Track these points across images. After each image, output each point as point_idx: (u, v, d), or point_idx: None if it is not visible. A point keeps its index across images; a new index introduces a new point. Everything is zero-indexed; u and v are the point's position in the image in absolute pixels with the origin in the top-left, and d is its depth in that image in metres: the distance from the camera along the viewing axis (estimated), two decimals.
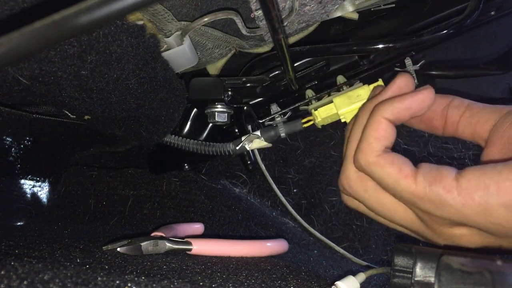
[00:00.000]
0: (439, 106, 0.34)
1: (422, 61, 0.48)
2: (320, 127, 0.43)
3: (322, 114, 0.42)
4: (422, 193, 0.27)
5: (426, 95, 0.31)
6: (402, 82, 0.33)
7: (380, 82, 0.40)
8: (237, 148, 0.47)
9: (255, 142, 0.47)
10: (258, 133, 0.47)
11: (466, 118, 0.33)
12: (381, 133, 0.31)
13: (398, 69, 0.49)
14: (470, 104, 0.33)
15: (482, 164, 0.27)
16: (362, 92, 0.40)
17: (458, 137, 0.34)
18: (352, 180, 0.33)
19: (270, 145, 0.47)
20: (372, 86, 0.40)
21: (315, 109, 0.42)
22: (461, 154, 0.64)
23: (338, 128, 0.68)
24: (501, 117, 0.31)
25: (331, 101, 0.42)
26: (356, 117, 0.36)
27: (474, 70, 0.60)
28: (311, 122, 0.44)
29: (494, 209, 0.25)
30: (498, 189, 0.25)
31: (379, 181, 0.30)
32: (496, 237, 0.27)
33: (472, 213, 0.26)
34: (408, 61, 0.48)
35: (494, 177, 0.25)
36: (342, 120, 0.41)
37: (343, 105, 0.40)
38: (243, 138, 0.47)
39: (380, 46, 0.45)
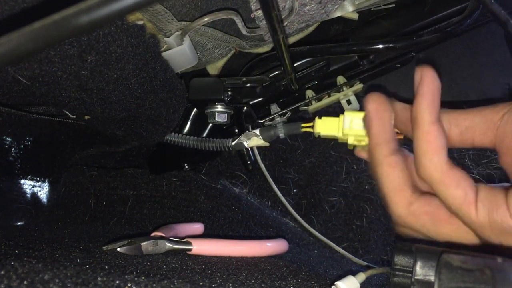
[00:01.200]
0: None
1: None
2: (316, 135, 0.38)
3: (324, 120, 0.38)
4: (483, 223, 0.27)
5: (430, 74, 0.29)
6: (430, 77, 0.29)
7: (359, 85, 0.37)
8: (234, 143, 0.47)
9: (253, 140, 0.46)
10: (257, 131, 0.47)
11: (455, 135, 0.30)
12: (437, 142, 0.28)
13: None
14: (453, 118, 0.30)
15: None
16: None
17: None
18: (405, 218, 0.31)
19: (268, 144, 0.47)
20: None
21: (320, 117, 0.39)
22: (460, 154, 0.64)
23: None
24: (500, 125, 0.29)
25: (333, 101, 0.41)
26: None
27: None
28: (310, 129, 0.41)
29: None
30: None
31: (442, 199, 0.29)
32: None
33: None
34: None
35: None
36: (347, 142, 0.36)
37: (351, 127, 0.35)
38: (242, 135, 0.47)
39: (380, 46, 0.45)
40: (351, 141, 0.35)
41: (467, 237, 0.30)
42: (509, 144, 0.28)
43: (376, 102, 0.31)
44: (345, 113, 0.35)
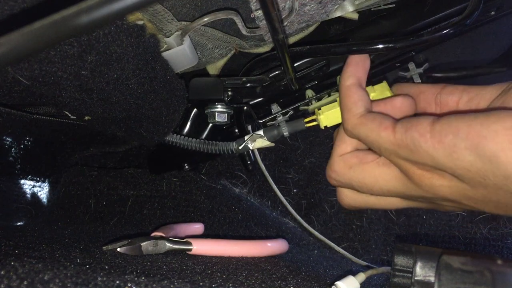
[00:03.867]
0: (430, 95, 0.35)
1: (426, 64, 0.49)
2: (323, 127, 0.43)
3: (325, 111, 0.42)
4: (399, 140, 0.29)
5: (356, 56, 0.37)
6: (357, 56, 0.38)
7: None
8: (240, 147, 0.47)
9: (258, 142, 0.46)
10: (261, 132, 0.47)
11: (464, 102, 0.33)
12: (354, 97, 0.34)
13: (402, 73, 0.49)
14: (466, 88, 0.34)
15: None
16: (368, 91, 0.39)
17: None
18: (335, 164, 0.35)
19: (272, 144, 0.47)
20: (376, 86, 0.40)
21: (318, 108, 0.42)
22: None
23: None
24: (503, 91, 0.31)
25: (335, 100, 0.42)
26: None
27: (478, 70, 0.59)
28: (314, 123, 0.44)
29: (460, 152, 0.26)
30: (468, 133, 0.25)
31: (364, 141, 0.32)
32: (471, 187, 0.27)
33: (441, 156, 0.27)
34: (411, 65, 0.48)
35: (467, 122, 0.26)
36: None
37: None
38: (246, 137, 0.47)
39: (380, 46, 0.45)
40: None
41: (390, 176, 0.32)
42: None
43: (359, 56, 0.38)
44: (339, 98, 0.39)
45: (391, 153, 0.30)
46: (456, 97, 0.34)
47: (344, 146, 0.35)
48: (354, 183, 0.34)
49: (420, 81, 0.49)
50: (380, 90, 0.40)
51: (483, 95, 0.32)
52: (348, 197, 0.36)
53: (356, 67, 0.36)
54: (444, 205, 0.31)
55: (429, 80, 0.52)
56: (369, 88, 0.40)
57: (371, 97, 0.39)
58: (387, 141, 0.30)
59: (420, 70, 0.48)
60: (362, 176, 0.33)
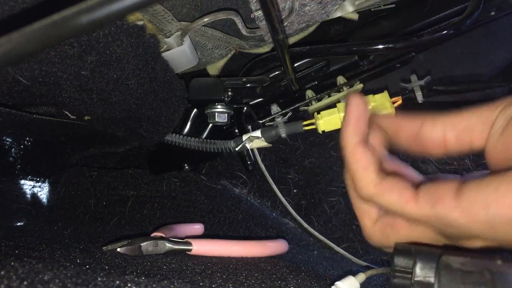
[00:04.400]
0: (410, 132, 0.32)
1: (428, 77, 0.49)
2: (321, 131, 0.42)
3: (324, 116, 0.41)
4: (428, 215, 0.27)
5: (353, 100, 0.33)
6: (354, 104, 0.33)
7: (385, 93, 0.40)
8: (237, 146, 0.47)
9: (255, 142, 0.47)
10: (258, 133, 0.47)
11: (453, 140, 0.30)
12: (363, 162, 0.31)
13: (403, 84, 0.49)
14: (447, 120, 0.30)
15: (482, 176, 0.26)
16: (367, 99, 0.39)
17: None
18: (373, 236, 0.33)
19: (270, 145, 0.47)
20: (377, 96, 0.40)
21: (318, 112, 0.42)
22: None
23: (338, 129, 0.68)
24: (494, 121, 0.28)
25: (334, 105, 0.42)
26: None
27: (479, 84, 0.60)
28: (312, 126, 0.43)
29: (500, 226, 0.25)
30: (498, 207, 0.24)
31: (386, 207, 0.30)
32: None
33: (480, 230, 0.25)
34: (413, 77, 0.48)
35: (492, 195, 0.25)
36: None
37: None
38: (244, 138, 0.47)
39: (380, 46, 0.45)
40: None
41: (428, 236, 0.30)
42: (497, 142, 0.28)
43: (357, 97, 0.34)
44: (338, 104, 0.40)
45: (421, 222, 0.28)
46: (439, 132, 0.30)
47: (369, 213, 0.33)
48: (393, 243, 0.32)
49: (420, 93, 0.49)
50: (380, 100, 0.39)
51: (472, 128, 0.29)
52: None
53: (357, 122, 0.33)
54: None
55: (430, 93, 0.52)
56: (370, 97, 0.39)
57: (370, 107, 0.38)
58: (415, 215, 0.28)
59: (422, 82, 0.48)
60: (402, 239, 0.31)
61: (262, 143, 0.47)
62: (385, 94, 0.40)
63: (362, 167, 0.31)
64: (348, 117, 0.33)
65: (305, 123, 0.45)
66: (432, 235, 0.30)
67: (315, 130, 0.45)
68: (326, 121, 0.41)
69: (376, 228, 0.33)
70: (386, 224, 0.32)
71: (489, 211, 0.25)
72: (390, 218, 0.32)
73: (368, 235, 0.33)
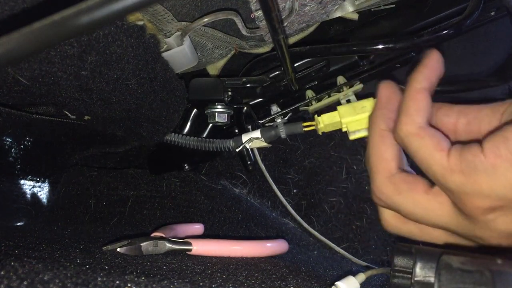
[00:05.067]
0: (428, 112, 0.32)
1: None
2: (320, 133, 0.43)
3: (325, 121, 0.41)
4: (453, 164, 0.27)
5: (435, 54, 0.33)
6: (433, 61, 0.33)
7: (359, 85, 0.41)
8: (237, 146, 0.47)
9: (255, 142, 0.47)
10: (258, 133, 0.47)
11: (463, 126, 0.32)
12: (420, 104, 0.30)
13: (400, 86, 0.50)
14: (462, 109, 0.32)
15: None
16: (367, 104, 0.39)
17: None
18: (384, 186, 0.32)
19: (269, 145, 0.47)
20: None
21: (319, 115, 0.42)
22: None
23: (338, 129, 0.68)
24: (504, 115, 0.30)
25: (334, 105, 0.42)
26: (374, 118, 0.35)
27: (475, 83, 0.59)
28: (312, 127, 0.44)
29: None
30: None
31: (413, 154, 0.30)
32: None
33: (500, 184, 0.25)
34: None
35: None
36: (344, 130, 0.41)
37: (347, 115, 0.40)
38: (243, 138, 0.47)
39: (380, 46, 0.45)
40: (352, 127, 0.39)
41: (441, 209, 0.30)
42: None
43: (389, 85, 0.34)
44: (339, 108, 0.40)
45: (440, 178, 0.28)
46: (452, 119, 0.32)
47: (387, 162, 0.32)
48: (402, 210, 0.31)
49: None
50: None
51: (482, 118, 0.31)
52: (392, 224, 0.34)
53: (433, 71, 0.32)
54: (498, 243, 0.29)
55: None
56: (370, 99, 0.40)
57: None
58: (439, 164, 0.28)
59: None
60: (412, 206, 0.31)
61: (262, 143, 0.47)
62: (358, 86, 0.41)
63: (416, 107, 0.30)
64: (426, 62, 0.33)
65: (305, 124, 0.45)
66: (448, 210, 0.29)
67: (315, 130, 0.45)
68: (327, 125, 0.41)
69: (390, 181, 0.32)
70: (402, 180, 0.31)
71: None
72: (410, 177, 0.31)
73: (377, 187, 0.32)
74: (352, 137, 0.40)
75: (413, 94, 0.31)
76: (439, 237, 0.32)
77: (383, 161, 0.32)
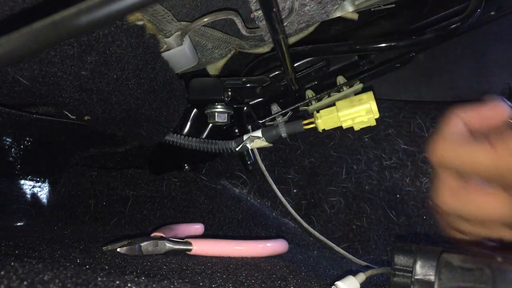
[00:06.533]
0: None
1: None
2: (321, 130, 0.43)
3: (324, 115, 0.42)
4: (502, 156, 0.26)
5: (498, 106, 0.31)
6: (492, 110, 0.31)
7: (359, 85, 0.42)
8: (238, 149, 0.47)
9: (256, 142, 0.47)
10: (259, 132, 0.47)
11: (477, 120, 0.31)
12: (451, 125, 0.30)
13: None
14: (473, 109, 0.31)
15: None
16: (365, 97, 0.40)
17: None
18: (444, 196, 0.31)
19: (271, 145, 0.47)
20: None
21: (317, 111, 0.43)
22: None
23: (338, 129, 0.68)
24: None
25: (333, 104, 0.42)
26: None
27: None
28: (312, 125, 0.44)
29: None
30: None
31: (460, 169, 0.29)
32: None
33: None
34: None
35: None
36: (344, 126, 0.41)
37: (345, 108, 0.41)
38: (245, 138, 0.47)
39: (383, 45, 0.45)
40: (351, 121, 0.41)
41: (499, 200, 0.28)
42: None
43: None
44: (337, 102, 0.42)
45: (494, 175, 0.27)
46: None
47: (450, 180, 0.31)
48: (464, 212, 0.30)
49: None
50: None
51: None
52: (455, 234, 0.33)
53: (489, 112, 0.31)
54: None
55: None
56: (368, 93, 0.40)
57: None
58: (488, 161, 0.26)
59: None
60: (474, 206, 0.29)
61: (263, 143, 0.47)
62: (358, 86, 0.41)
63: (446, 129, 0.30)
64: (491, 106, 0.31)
65: (305, 122, 0.45)
66: (508, 199, 0.28)
67: (315, 129, 0.45)
68: (326, 120, 0.42)
69: (446, 187, 0.30)
70: (455, 181, 0.30)
71: None
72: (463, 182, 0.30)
73: (438, 193, 0.31)
74: (357, 127, 0.42)
75: (447, 119, 0.31)
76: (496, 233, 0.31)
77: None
